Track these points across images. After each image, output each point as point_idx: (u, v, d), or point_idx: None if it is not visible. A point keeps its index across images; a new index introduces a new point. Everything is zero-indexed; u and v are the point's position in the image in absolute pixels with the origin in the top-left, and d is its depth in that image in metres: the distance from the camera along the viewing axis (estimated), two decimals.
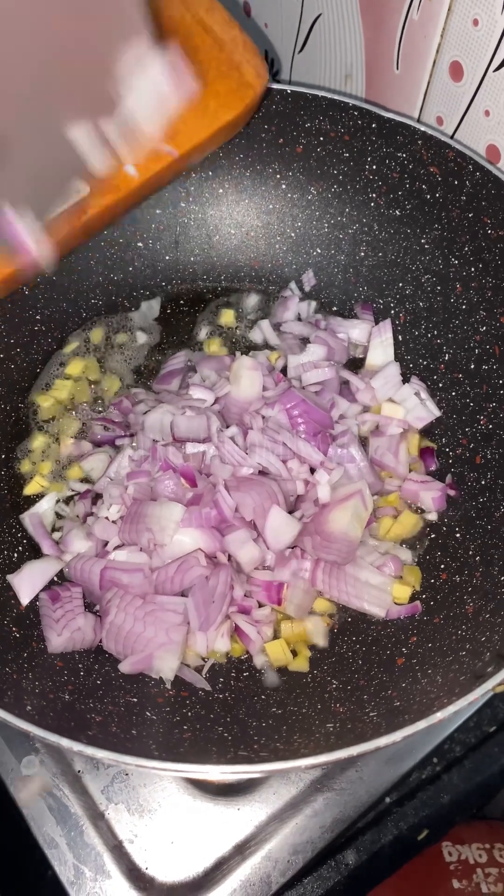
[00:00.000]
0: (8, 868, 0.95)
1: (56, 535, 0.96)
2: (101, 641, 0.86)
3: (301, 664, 0.87)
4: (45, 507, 0.97)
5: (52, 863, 0.88)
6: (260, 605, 0.90)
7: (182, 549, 0.89)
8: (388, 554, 0.93)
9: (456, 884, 1.13)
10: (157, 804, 0.90)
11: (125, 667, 0.84)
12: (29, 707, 0.72)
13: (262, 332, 1.13)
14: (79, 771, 0.92)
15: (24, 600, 0.88)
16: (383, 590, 0.89)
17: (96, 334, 1.12)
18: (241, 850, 0.88)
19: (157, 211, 1.16)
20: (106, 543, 0.93)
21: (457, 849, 1.17)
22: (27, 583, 0.89)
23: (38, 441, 1.03)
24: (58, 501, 0.99)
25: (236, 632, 0.89)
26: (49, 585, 0.91)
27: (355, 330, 1.11)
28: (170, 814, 0.89)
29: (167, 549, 0.89)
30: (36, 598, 0.89)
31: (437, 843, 1.12)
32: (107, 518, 0.94)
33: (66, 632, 0.84)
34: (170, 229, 1.17)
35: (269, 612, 0.90)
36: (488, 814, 1.22)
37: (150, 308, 1.16)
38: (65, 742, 0.64)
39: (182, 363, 1.09)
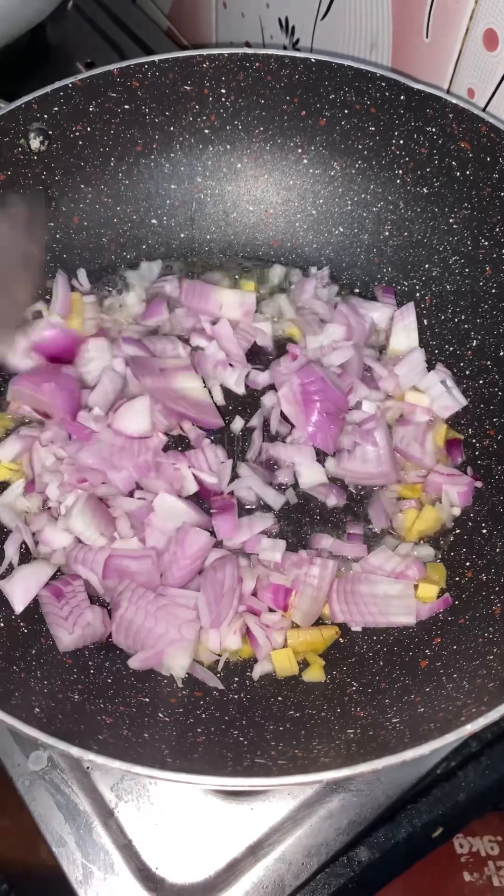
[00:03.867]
0: (16, 866, 0.93)
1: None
2: (110, 635, 0.83)
3: (316, 674, 0.84)
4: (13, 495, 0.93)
5: (60, 861, 0.85)
6: (271, 610, 0.87)
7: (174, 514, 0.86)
8: (409, 557, 0.89)
9: (467, 876, 1.12)
10: (168, 802, 0.87)
11: (134, 663, 0.81)
12: (37, 709, 0.70)
13: (279, 305, 1.09)
14: (87, 767, 0.89)
15: (18, 608, 0.84)
16: (406, 596, 0.85)
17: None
18: (254, 852, 0.86)
19: (173, 186, 1.11)
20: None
21: (468, 841, 1.16)
22: (20, 589, 0.85)
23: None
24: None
25: (247, 633, 0.86)
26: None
27: (376, 313, 1.06)
28: (181, 813, 0.87)
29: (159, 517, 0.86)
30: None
31: None
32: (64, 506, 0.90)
33: (77, 629, 0.81)
34: (185, 205, 1.12)
35: (280, 617, 0.86)
36: (501, 805, 1.20)
37: (150, 270, 1.11)
38: (74, 751, 0.61)
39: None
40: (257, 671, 0.84)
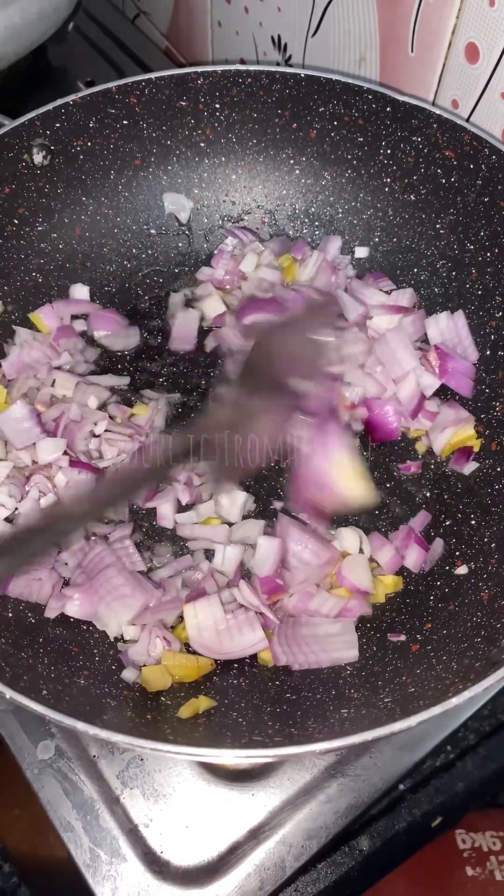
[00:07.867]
0: (26, 857, 0.95)
1: None
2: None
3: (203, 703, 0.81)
4: None
5: (68, 846, 0.88)
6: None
7: None
8: (343, 598, 0.89)
9: (469, 871, 1.13)
10: (172, 789, 0.90)
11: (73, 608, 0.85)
12: (45, 692, 0.73)
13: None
14: (94, 756, 0.92)
15: None
16: (347, 632, 0.86)
17: None
18: (256, 835, 0.88)
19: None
20: None
21: (470, 836, 1.17)
22: None
23: None
24: None
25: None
26: None
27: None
28: (185, 799, 0.89)
29: None
30: None
31: (451, 831, 1.13)
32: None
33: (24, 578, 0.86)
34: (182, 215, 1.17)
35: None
36: (502, 802, 1.22)
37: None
38: (80, 725, 0.64)
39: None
40: (126, 675, 0.84)
